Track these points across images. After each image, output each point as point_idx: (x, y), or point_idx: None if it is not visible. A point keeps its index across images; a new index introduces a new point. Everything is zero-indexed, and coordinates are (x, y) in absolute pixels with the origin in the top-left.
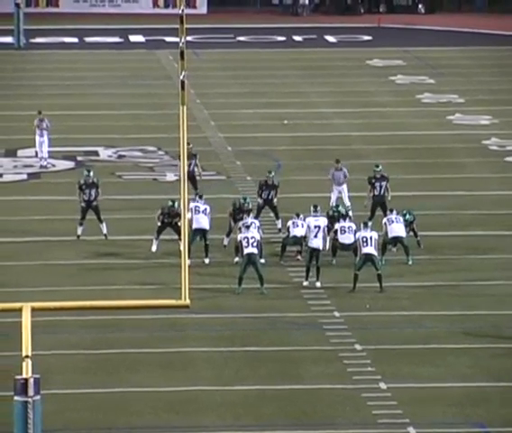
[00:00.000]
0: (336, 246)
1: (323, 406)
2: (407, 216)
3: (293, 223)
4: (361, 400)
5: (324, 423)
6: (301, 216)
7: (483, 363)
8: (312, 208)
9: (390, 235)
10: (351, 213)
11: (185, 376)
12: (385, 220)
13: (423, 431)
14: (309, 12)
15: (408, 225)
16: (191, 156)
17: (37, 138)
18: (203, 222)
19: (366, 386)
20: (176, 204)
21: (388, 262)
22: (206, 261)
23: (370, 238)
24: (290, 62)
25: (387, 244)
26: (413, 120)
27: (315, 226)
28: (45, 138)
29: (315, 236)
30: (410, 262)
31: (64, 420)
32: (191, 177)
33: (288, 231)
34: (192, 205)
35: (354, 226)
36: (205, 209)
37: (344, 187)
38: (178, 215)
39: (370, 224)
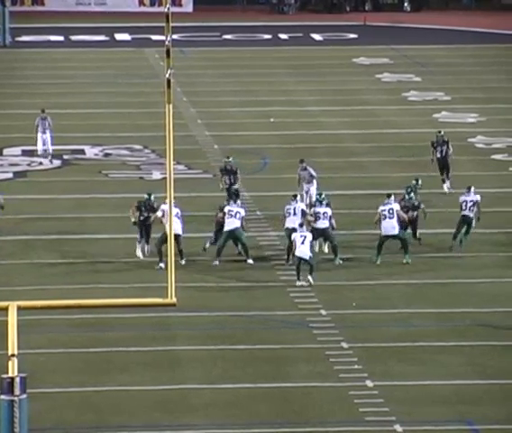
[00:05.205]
0: (312, 232)
1: (311, 404)
2: (412, 195)
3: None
4: (349, 398)
5: (312, 421)
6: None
7: (472, 361)
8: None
9: (384, 234)
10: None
11: (173, 375)
12: (380, 209)
13: (410, 429)
14: (295, 10)
15: (413, 208)
16: (443, 143)
17: (39, 135)
18: (175, 226)
19: (353, 384)
20: (152, 197)
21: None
22: (182, 262)
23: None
24: (276, 60)
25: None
26: (399, 118)
27: (301, 236)
28: (48, 135)
29: (302, 243)
30: (405, 261)
31: (53, 419)
32: (444, 162)
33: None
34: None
35: (330, 211)
36: (177, 213)
37: (314, 183)
38: (154, 208)
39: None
